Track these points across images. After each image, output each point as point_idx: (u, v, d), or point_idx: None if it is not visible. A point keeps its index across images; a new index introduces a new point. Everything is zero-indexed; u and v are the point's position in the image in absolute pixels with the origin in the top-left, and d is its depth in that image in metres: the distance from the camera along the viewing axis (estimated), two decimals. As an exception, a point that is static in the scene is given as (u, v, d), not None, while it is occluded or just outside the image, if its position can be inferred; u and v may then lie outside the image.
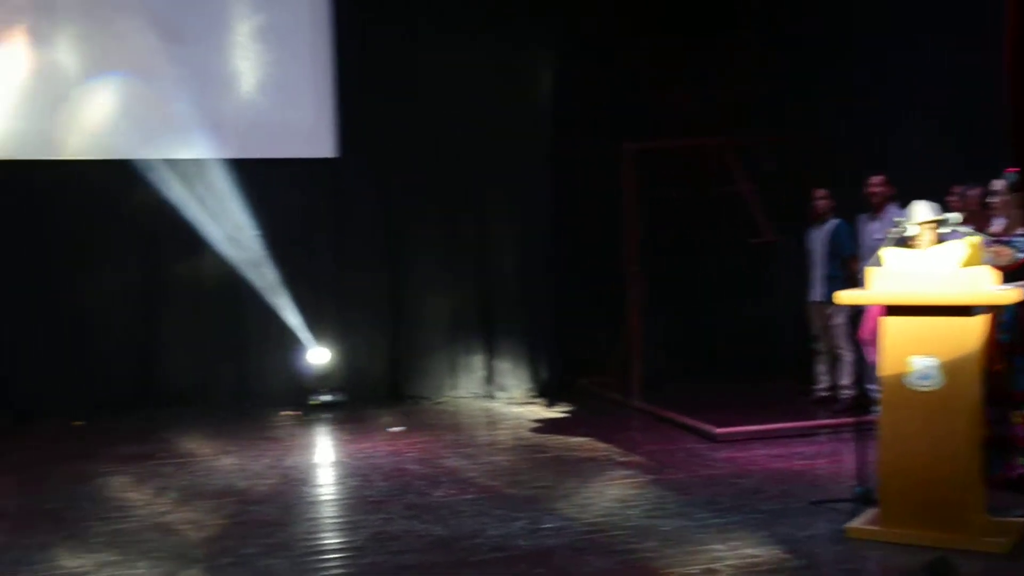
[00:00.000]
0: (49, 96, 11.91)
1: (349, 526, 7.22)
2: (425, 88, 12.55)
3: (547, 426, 10.78)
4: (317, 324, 12.49)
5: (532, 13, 12.82)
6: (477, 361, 12.74)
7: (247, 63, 12.48)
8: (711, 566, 6.11)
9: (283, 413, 11.76)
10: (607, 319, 12.76)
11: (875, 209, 10.31)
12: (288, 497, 8.01)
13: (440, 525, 7.05)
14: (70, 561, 6.46)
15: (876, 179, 10.30)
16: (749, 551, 6.35)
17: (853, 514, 6.83)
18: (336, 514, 7.67)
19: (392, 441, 10.10)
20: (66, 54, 11.96)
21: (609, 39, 12.94)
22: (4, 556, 6.59)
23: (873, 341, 8.31)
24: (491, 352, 12.75)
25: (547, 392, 12.53)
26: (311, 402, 12.05)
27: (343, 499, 8.07)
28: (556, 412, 11.59)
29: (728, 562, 6.16)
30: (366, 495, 7.99)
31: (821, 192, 11.09)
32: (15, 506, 7.86)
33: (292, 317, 12.51)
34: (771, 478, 8.15)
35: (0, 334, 11.67)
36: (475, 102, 12.64)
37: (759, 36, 13.04)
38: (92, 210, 12.08)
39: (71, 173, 11.96)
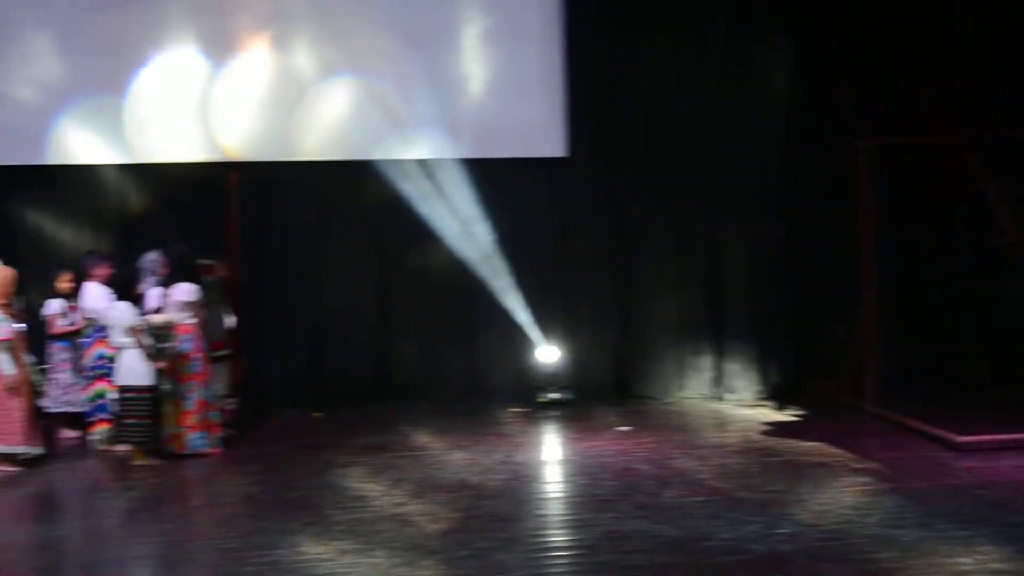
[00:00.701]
0: (289, 99, 12.40)
1: (579, 524, 7.25)
2: (654, 87, 12.53)
3: (778, 429, 10.58)
4: (545, 322, 12.61)
5: (767, 12, 12.61)
6: (705, 362, 12.61)
7: (478, 64, 12.69)
8: (956, 580, 5.90)
9: (512, 409, 11.93)
10: (840, 321, 12.44)
11: None
12: (519, 493, 8.11)
13: (671, 526, 7.00)
14: (312, 548, 6.69)
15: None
16: (996, 566, 6.08)
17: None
18: (566, 511, 7.72)
19: (620, 440, 10.10)
20: (304, 58, 12.45)
21: (845, 37, 12.60)
22: (252, 540, 6.88)
23: None
24: (720, 353, 12.61)
25: (777, 395, 12.30)
26: (539, 399, 12.19)
27: (573, 497, 8.11)
28: (787, 415, 11.35)
29: (974, 576, 5.94)
30: (595, 493, 8.01)
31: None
32: (261, 493, 8.21)
33: (521, 315, 12.66)
34: (1019, 491, 7.79)
35: (243, 329, 12.18)
36: (705, 101, 12.55)
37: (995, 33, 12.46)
38: (329, 210, 12.56)
39: (310, 173, 12.44)
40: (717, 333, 12.65)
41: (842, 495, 7.81)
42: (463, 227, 12.65)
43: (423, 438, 10.37)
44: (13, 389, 9.16)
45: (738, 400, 12.28)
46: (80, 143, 12.09)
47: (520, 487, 8.30)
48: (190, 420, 9.66)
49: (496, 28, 12.69)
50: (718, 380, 12.59)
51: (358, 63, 12.47)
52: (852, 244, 11.93)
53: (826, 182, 12.45)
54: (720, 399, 12.39)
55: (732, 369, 12.53)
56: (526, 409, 12.00)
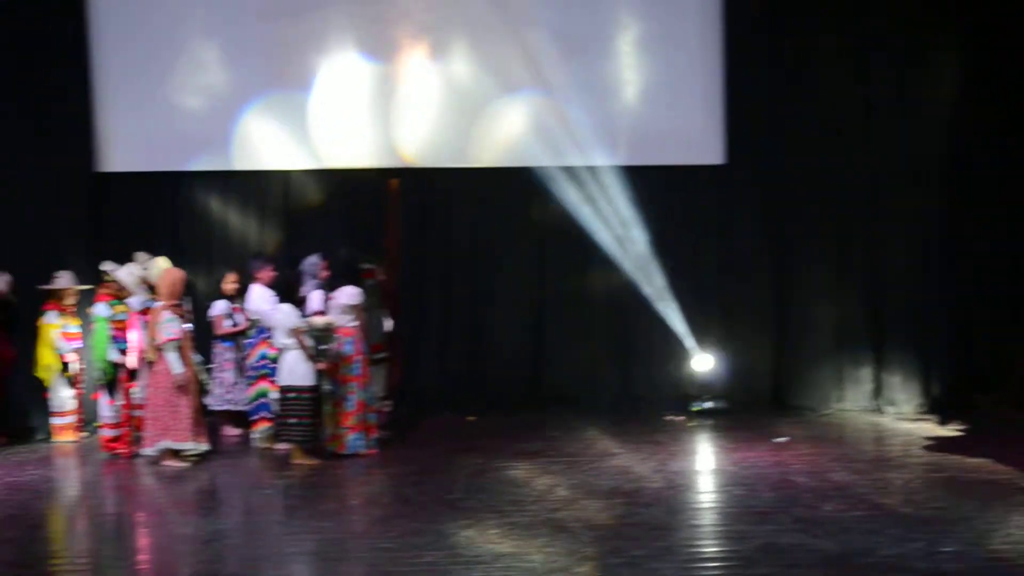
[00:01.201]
0: (448, 106, 12.53)
1: (735, 535, 7.15)
2: (814, 95, 12.31)
3: (941, 444, 10.27)
4: (701, 330, 12.49)
5: (936, 15, 12.29)
6: (865, 373, 12.30)
7: (635, 71, 12.63)
8: None
9: (667, 417, 11.85)
10: (1007, 332, 12.05)
11: None
12: (674, 502, 8.05)
13: (831, 541, 6.85)
14: (468, 551, 6.75)
15: None
16: None
17: None
18: (722, 522, 7.63)
19: (777, 451, 9.93)
20: (461, 66, 12.53)
21: (1013, 37, 12.20)
22: (408, 541, 6.98)
23: None
24: (880, 364, 12.26)
25: (940, 408, 11.89)
26: (694, 408, 12.08)
27: (728, 507, 7.99)
28: (950, 430, 10.98)
29: None
30: (752, 505, 7.89)
31: None
32: (417, 495, 8.31)
33: (676, 323, 12.57)
34: None
35: (402, 332, 12.36)
36: (866, 105, 12.29)
37: None
38: (489, 216, 12.64)
39: (470, 180, 12.56)
40: (877, 343, 12.33)
41: (1011, 515, 7.51)
42: (621, 235, 12.63)
43: (577, 445, 10.36)
44: (181, 387, 9.46)
45: (899, 413, 11.95)
46: (245, 149, 12.41)
47: (675, 496, 8.23)
48: (350, 421, 9.84)
49: (653, 34, 12.62)
50: (878, 392, 12.26)
51: (514, 71, 12.54)
52: (1018, 253, 11.54)
53: (991, 188, 12.07)
54: (880, 412, 12.08)
55: (892, 381, 12.19)
56: (680, 418, 11.91)
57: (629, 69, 12.65)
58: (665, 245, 12.52)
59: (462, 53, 12.57)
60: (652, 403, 12.33)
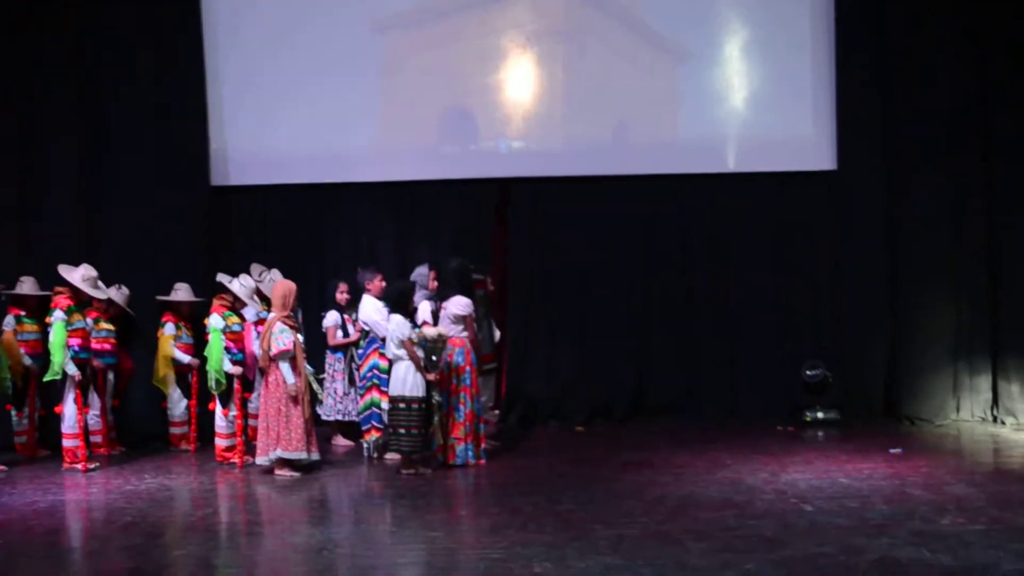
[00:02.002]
0: (553, 114, 12.56)
1: (851, 549, 6.99)
2: (928, 97, 12.07)
3: (1064, 456, 10.01)
4: (812, 338, 12.35)
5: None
6: (982, 382, 12.05)
7: (746, 78, 12.56)
8: None
9: (778, 428, 11.71)
10: None
11: None
12: (786, 514, 7.90)
13: (949, 555, 6.68)
14: (578, 562, 6.71)
15: None
16: None
17: None
18: (836, 535, 7.46)
19: (892, 463, 9.74)
20: (567, 73, 12.57)
21: None
22: (517, 551, 6.97)
23: None
24: (998, 374, 12.00)
25: (1062, 419, 11.64)
26: (805, 418, 11.93)
27: (843, 520, 7.81)
28: (1074, 442, 10.72)
29: None
30: (867, 518, 7.73)
31: None
32: (526, 505, 8.30)
33: (786, 331, 12.43)
34: None
35: (511, 342, 12.41)
36: (981, 108, 12.05)
37: None
38: (595, 225, 12.65)
39: (576, 190, 12.61)
40: (995, 352, 12.05)
41: None
42: (730, 243, 12.53)
43: (685, 455, 10.27)
44: (293, 397, 9.59)
45: (1017, 425, 11.66)
46: (357, 161, 12.57)
47: (787, 508, 8.09)
48: (459, 431, 9.89)
49: (762, 39, 12.55)
50: (996, 402, 11.99)
51: (620, 79, 12.53)
52: None
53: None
54: (998, 423, 11.80)
55: (1012, 391, 11.90)
56: (791, 428, 11.75)
57: (738, 75, 12.60)
58: (775, 253, 12.42)
59: (569, 63, 12.61)
60: (762, 413, 12.21)
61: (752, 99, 12.57)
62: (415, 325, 9.93)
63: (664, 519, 7.76)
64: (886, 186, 12.26)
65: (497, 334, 11.36)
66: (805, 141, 12.50)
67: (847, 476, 9.24)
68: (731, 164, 12.61)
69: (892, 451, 10.24)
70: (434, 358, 9.59)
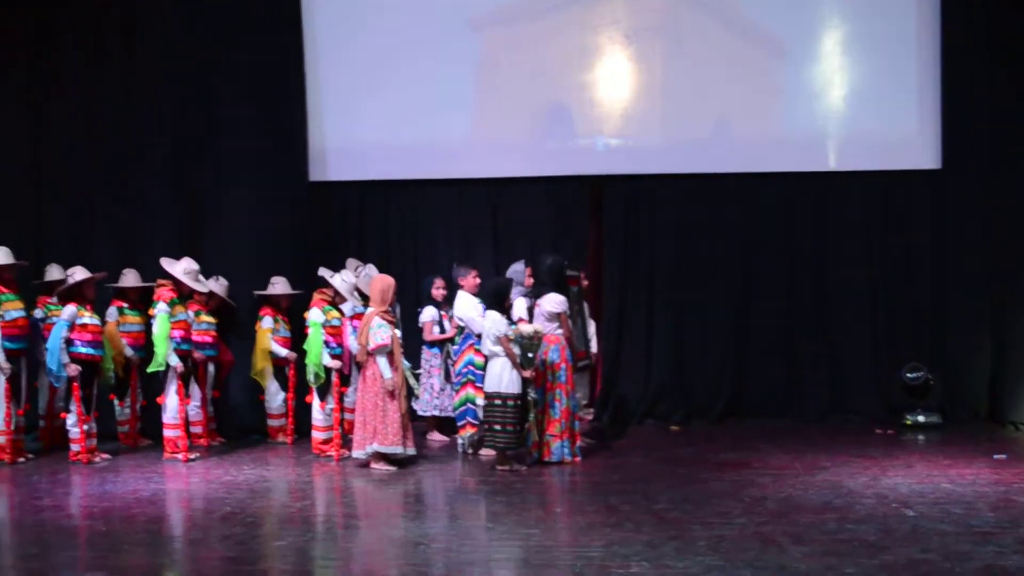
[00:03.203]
0: (648, 111, 12.48)
1: (954, 556, 6.83)
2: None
3: None
4: (913, 340, 12.14)
5: None
6: (1090, 387, 11.73)
7: (847, 74, 12.39)
8: None
9: (877, 431, 11.51)
10: None
11: None
12: (887, 519, 7.75)
13: (1060, 564, 6.52)
14: (676, 562, 6.65)
15: None
16: None
17: None
18: (939, 542, 7.29)
19: (996, 469, 9.51)
20: (673, 72, 12.50)
21: None
22: (614, 550, 6.93)
23: None
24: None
25: None
26: (905, 421, 11.72)
27: (946, 526, 7.64)
28: None
29: None
30: (972, 525, 7.55)
31: None
32: (622, 504, 8.26)
33: (887, 333, 12.23)
34: None
35: (606, 339, 12.36)
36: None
37: None
38: (692, 223, 12.60)
39: (673, 187, 12.56)
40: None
41: None
42: (829, 242, 12.36)
43: (783, 457, 10.15)
44: (390, 392, 9.64)
45: None
46: (453, 157, 12.60)
47: (888, 513, 7.93)
48: (554, 428, 9.87)
49: (864, 34, 12.37)
50: (1104, 406, 11.68)
51: (719, 75, 12.41)
52: None
53: None
54: (1108, 429, 11.51)
55: (1122, 396, 11.59)
56: (891, 431, 11.54)
57: (839, 71, 12.45)
58: (876, 252, 12.23)
59: (667, 59, 12.52)
60: (862, 415, 12.05)
61: (854, 95, 12.38)
62: (511, 322, 9.94)
63: (763, 521, 7.65)
64: (990, 186, 12.00)
65: (592, 331, 11.31)
66: (909, 139, 12.28)
67: (950, 481, 9.04)
68: (832, 162, 12.43)
69: (996, 457, 10.00)
70: (530, 355, 9.58)
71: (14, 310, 10.44)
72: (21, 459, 10.50)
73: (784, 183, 12.53)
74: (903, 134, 12.28)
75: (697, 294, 12.55)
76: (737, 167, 12.46)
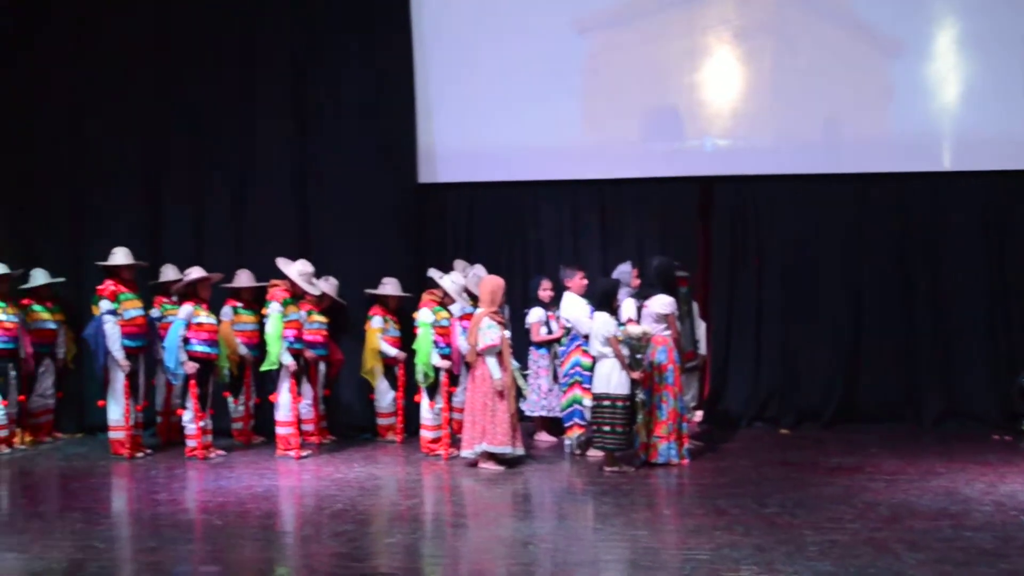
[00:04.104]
0: (768, 113, 12.39)
1: (1079, 565, 6.69)
2: None
3: None
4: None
5: None
6: None
7: (962, 72, 12.13)
8: None
9: (994, 437, 11.24)
10: None
11: None
12: (1007, 527, 7.57)
13: None
14: (787, 567, 6.58)
15: None
16: None
17: None
18: (1061, 551, 7.15)
19: (1119, 477, 9.25)
20: (782, 72, 12.34)
21: None
22: (723, 553, 6.89)
23: None
24: None
25: None
26: (1022, 428, 11.42)
27: (1068, 536, 7.49)
28: None
29: None
30: (1095, 534, 7.37)
31: None
32: (731, 507, 8.20)
33: (1003, 337, 11.96)
34: None
35: (718, 342, 12.27)
36: None
37: None
38: (806, 226, 12.42)
39: (787, 188, 12.39)
40: None
41: None
42: (942, 243, 12.13)
43: (897, 462, 9.96)
44: (499, 392, 9.69)
45: None
46: (566, 158, 12.58)
47: (1007, 520, 7.75)
48: (662, 430, 9.84)
49: (979, 32, 12.08)
50: None
51: (828, 74, 12.23)
52: None
53: None
54: None
55: None
56: (1008, 437, 11.26)
57: (953, 69, 12.17)
58: (992, 254, 11.97)
59: (777, 58, 12.38)
60: (979, 421, 11.79)
61: (969, 94, 12.12)
62: (619, 323, 9.92)
63: (877, 527, 7.54)
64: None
65: (702, 332, 11.24)
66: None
67: (1071, 490, 8.81)
68: (946, 162, 12.19)
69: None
70: (638, 356, 9.56)
71: (133, 309, 10.75)
72: (139, 454, 10.79)
73: (896, 184, 12.31)
74: (1021, 133, 11.97)
75: (807, 296, 12.38)
76: (848, 167, 12.27)
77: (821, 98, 12.29)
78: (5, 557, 7.19)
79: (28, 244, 12.32)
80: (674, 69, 12.50)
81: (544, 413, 11.23)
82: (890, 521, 7.71)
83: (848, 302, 12.33)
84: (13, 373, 11.25)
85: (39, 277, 11.79)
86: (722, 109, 12.43)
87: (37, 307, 11.74)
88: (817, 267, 12.36)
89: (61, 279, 11.94)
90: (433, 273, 11.05)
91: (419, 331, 10.60)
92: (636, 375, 9.60)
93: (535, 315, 11.20)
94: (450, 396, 10.71)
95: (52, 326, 11.81)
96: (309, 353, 11.10)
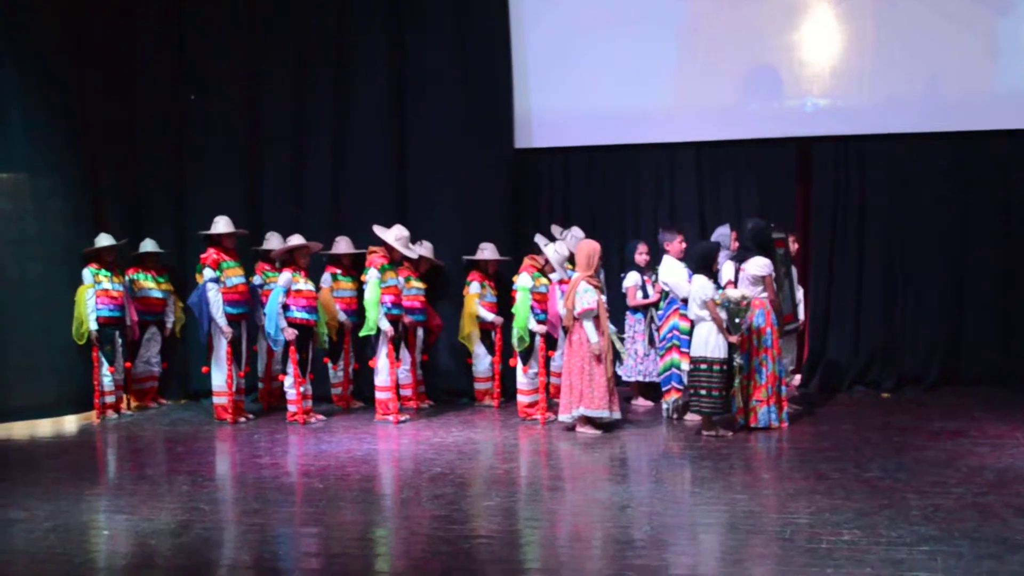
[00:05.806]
0: (866, 73, 12.15)
1: None
2: None
3: None
4: None
5: None
6: None
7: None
8: None
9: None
10: None
11: None
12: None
13: None
14: (889, 531, 6.50)
15: None
16: None
17: None
18: None
19: None
20: (882, 29, 12.09)
21: None
22: (824, 517, 6.82)
23: None
24: None
25: None
26: None
27: None
28: None
29: None
30: None
31: None
32: (832, 471, 8.10)
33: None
34: None
35: (817, 304, 12.12)
36: None
37: None
38: (908, 187, 12.16)
39: (888, 148, 12.17)
40: None
41: None
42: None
43: (1004, 426, 9.75)
44: (597, 356, 9.68)
45: None
46: (654, 122, 12.49)
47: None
48: (761, 394, 9.76)
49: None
50: None
51: (934, 29, 11.95)
52: None
53: None
54: None
55: None
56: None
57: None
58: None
59: (879, 15, 12.12)
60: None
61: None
62: (718, 286, 9.84)
63: (982, 491, 7.41)
64: None
65: (800, 296, 11.10)
66: None
67: None
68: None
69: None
70: (737, 320, 9.48)
71: (235, 277, 10.92)
72: (242, 419, 10.99)
73: (1000, 142, 11.99)
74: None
75: (909, 258, 12.16)
76: (951, 126, 11.98)
77: (923, 55, 12.01)
78: (115, 519, 7.39)
79: (133, 215, 12.53)
80: (772, 29, 12.30)
81: (640, 378, 11.20)
82: (996, 486, 7.56)
83: (950, 264, 12.09)
84: (120, 340, 11.52)
85: (147, 246, 12.02)
86: (822, 68, 12.21)
87: (142, 276, 11.98)
88: (918, 228, 12.12)
89: (165, 251, 12.17)
90: (539, 240, 11.06)
91: (518, 295, 10.61)
92: (734, 339, 9.52)
93: (631, 279, 11.15)
94: (547, 360, 10.72)
95: (157, 295, 12.05)
96: (407, 318, 11.19)
